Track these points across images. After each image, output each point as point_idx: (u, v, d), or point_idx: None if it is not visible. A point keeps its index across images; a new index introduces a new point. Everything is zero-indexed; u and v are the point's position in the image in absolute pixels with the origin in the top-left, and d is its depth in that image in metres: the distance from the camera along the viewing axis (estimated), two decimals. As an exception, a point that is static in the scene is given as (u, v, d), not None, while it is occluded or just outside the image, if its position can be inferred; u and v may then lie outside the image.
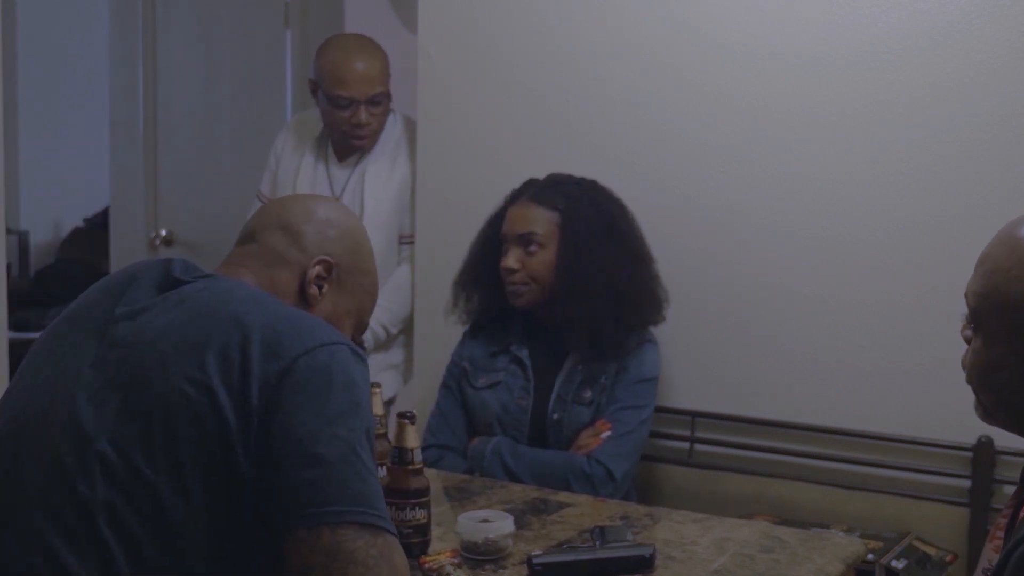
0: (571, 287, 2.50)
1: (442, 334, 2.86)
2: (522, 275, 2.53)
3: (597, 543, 1.85)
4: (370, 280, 1.67)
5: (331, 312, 1.58)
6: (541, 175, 2.65)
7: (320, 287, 1.58)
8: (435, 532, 1.90)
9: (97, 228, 5.74)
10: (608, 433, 2.46)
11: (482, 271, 2.63)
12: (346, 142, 3.07)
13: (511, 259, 2.53)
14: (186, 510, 1.31)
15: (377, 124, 3.04)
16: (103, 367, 1.41)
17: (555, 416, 2.52)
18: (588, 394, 2.51)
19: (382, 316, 3.04)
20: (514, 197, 2.61)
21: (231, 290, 1.47)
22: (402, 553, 1.37)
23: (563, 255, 2.51)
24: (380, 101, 3.02)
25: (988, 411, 1.41)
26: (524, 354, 2.58)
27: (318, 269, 1.58)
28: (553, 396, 2.53)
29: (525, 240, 2.53)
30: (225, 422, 1.31)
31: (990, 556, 1.49)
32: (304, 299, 1.57)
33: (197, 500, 1.31)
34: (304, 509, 1.30)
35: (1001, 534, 1.48)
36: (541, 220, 2.53)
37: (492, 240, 2.61)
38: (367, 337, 3.02)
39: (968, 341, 1.43)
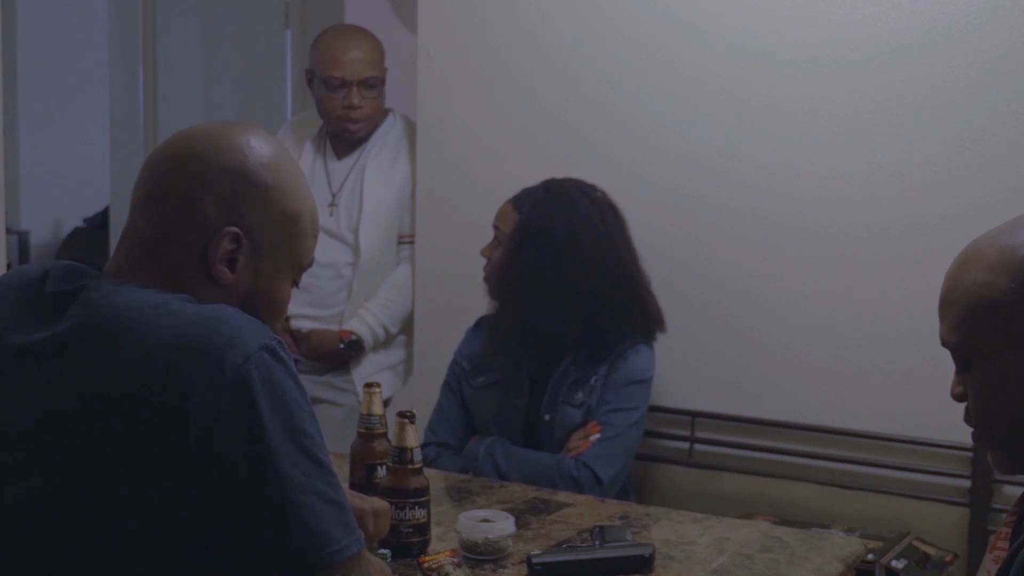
0: (503, 292, 2.54)
1: (442, 334, 2.86)
2: (488, 267, 2.57)
3: (596, 543, 1.85)
4: (293, 205, 1.37)
5: (254, 284, 1.36)
6: (541, 175, 2.64)
7: (232, 264, 1.34)
8: (435, 532, 1.90)
9: (97, 228, 5.75)
10: (597, 436, 2.45)
11: None
12: (341, 132, 3.07)
13: (486, 248, 2.58)
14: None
15: (371, 109, 3.03)
16: None
17: (546, 417, 2.51)
18: (579, 395, 2.50)
19: (381, 315, 3.04)
20: None
21: (105, 319, 1.27)
22: (369, 556, 1.34)
23: (503, 259, 2.52)
24: (374, 85, 3.02)
25: (1006, 446, 1.32)
26: (521, 355, 2.58)
27: (224, 244, 1.33)
28: (545, 397, 2.53)
29: (495, 233, 2.57)
30: (165, 505, 1.21)
31: (989, 567, 1.48)
32: (214, 285, 1.33)
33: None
34: (272, 565, 1.24)
35: (1004, 544, 1.46)
36: (507, 219, 2.55)
37: None
38: (367, 336, 3.02)
39: (962, 397, 1.37)
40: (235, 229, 1.33)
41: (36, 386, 1.28)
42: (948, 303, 1.33)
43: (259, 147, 1.37)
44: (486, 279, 2.58)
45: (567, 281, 2.46)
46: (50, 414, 1.26)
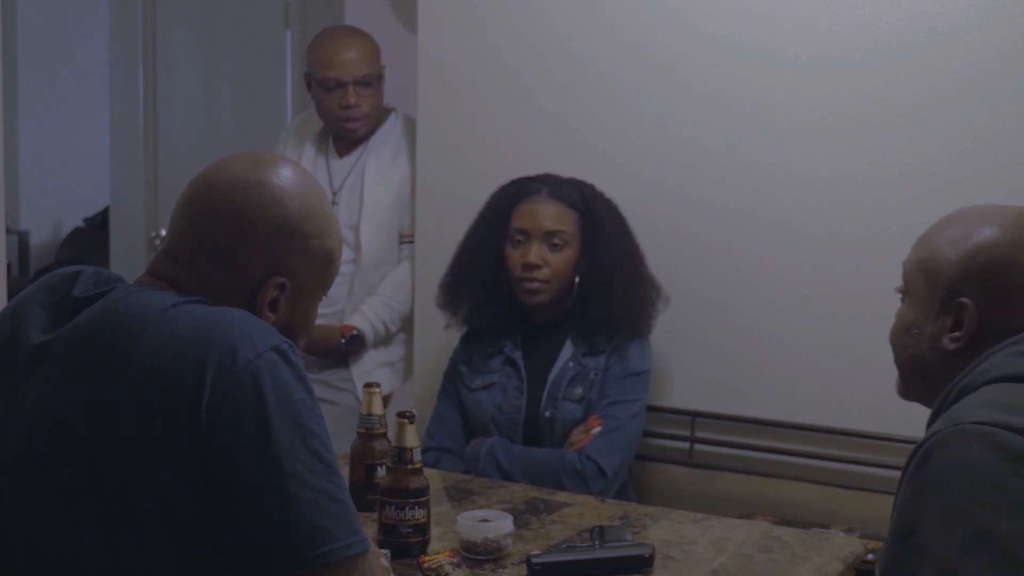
0: (599, 284, 2.53)
1: (442, 334, 2.86)
2: (545, 271, 2.52)
3: (596, 543, 1.85)
4: (328, 245, 1.45)
5: (291, 316, 1.43)
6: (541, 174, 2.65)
7: (275, 305, 1.41)
8: (435, 532, 1.90)
9: (97, 228, 5.75)
10: (599, 429, 2.46)
11: (483, 270, 2.62)
12: (341, 132, 3.08)
13: (533, 255, 2.52)
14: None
15: (368, 108, 3.05)
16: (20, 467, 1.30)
17: (547, 414, 2.52)
18: (579, 391, 2.51)
19: (383, 312, 3.04)
20: (522, 193, 2.60)
21: (123, 317, 1.31)
22: (376, 559, 1.34)
23: (588, 254, 2.55)
24: (370, 83, 3.03)
25: (901, 372, 1.57)
26: (517, 355, 2.58)
27: (270, 293, 1.40)
28: (545, 394, 2.53)
29: (551, 237, 2.53)
30: (170, 484, 1.23)
31: None
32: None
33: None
34: (272, 561, 1.24)
35: None
36: (566, 218, 2.55)
37: (495, 238, 2.60)
38: (368, 331, 3.03)
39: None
40: (281, 280, 1.40)
41: (53, 381, 1.30)
42: (925, 237, 1.52)
43: (296, 194, 1.41)
44: (544, 279, 2.53)
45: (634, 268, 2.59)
46: (66, 409, 1.28)
